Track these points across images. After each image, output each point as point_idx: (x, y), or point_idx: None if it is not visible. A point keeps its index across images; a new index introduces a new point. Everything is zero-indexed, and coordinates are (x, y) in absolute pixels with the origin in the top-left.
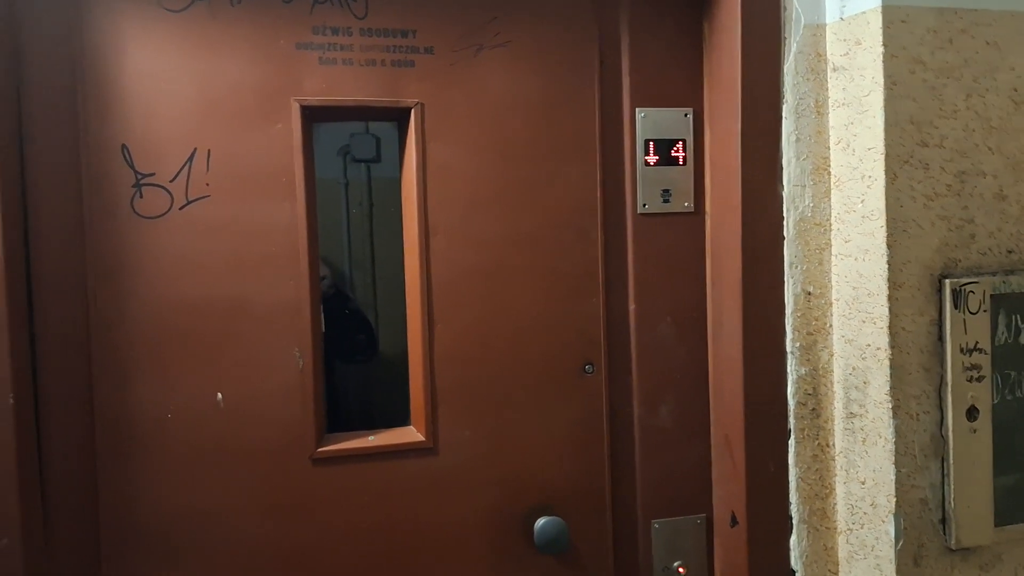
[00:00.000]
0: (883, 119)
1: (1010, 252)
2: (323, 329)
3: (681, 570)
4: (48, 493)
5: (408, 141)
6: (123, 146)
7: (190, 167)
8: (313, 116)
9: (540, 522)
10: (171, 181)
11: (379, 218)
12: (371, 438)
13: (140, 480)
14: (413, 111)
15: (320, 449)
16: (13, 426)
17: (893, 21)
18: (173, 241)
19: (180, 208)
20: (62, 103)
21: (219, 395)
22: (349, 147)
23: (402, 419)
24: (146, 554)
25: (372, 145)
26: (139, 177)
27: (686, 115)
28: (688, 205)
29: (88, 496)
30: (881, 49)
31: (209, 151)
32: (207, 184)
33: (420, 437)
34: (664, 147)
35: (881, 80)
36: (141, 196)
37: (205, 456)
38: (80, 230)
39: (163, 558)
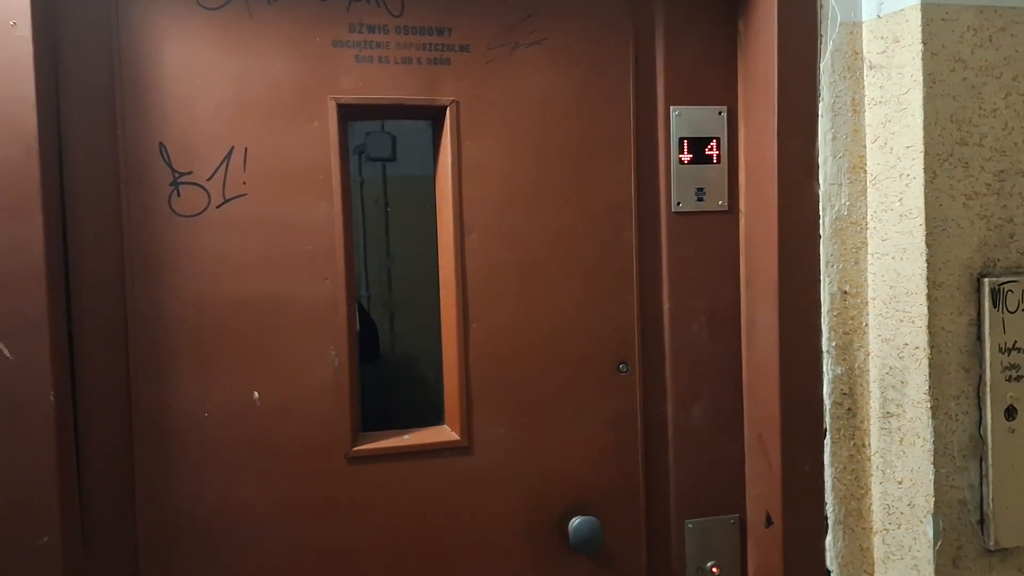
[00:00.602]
0: (922, 117)
1: None
2: (358, 328)
3: (714, 570)
4: (86, 491)
5: (443, 139)
6: (160, 144)
7: (227, 165)
8: (349, 114)
9: (575, 522)
10: (208, 179)
11: (394, 216)
12: (406, 437)
13: (177, 478)
14: (448, 109)
15: (355, 448)
16: (54, 423)
17: (933, 19)
18: (210, 239)
19: (217, 206)
20: (100, 101)
21: (256, 393)
22: (364, 146)
23: (431, 418)
24: (183, 551)
25: (388, 144)
26: (176, 175)
27: (720, 113)
28: (722, 203)
29: (125, 494)
30: (920, 47)
31: (246, 149)
32: (244, 182)
33: (455, 436)
34: (698, 145)
35: (920, 78)
36: (179, 194)
37: (241, 454)
38: (118, 228)
39: (200, 555)
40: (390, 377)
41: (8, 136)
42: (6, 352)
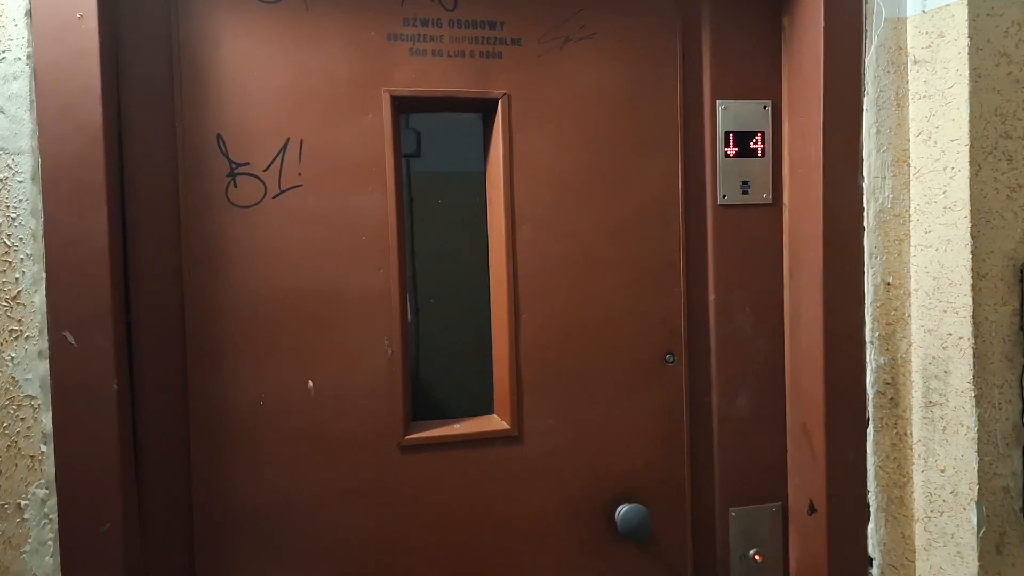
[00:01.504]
0: (968, 111)
1: None
2: (410, 318)
3: (757, 558)
4: (144, 479)
5: (495, 132)
6: (218, 136)
7: (283, 157)
8: (402, 107)
9: (622, 509)
10: (265, 171)
11: (419, 213)
12: (456, 426)
13: (232, 466)
14: (500, 102)
15: (408, 437)
16: (116, 412)
17: (979, 14)
18: (266, 230)
19: (273, 197)
20: (159, 93)
21: (310, 383)
22: None
23: (482, 408)
24: (238, 539)
25: (412, 140)
26: (234, 167)
27: (765, 107)
28: (767, 196)
29: (182, 481)
30: (966, 42)
31: (302, 141)
32: (299, 174)
33: (505, 425)
34: (743, 139)
35: (966, 73)
36: (235, 185)
37: (296, 443)
38: (176, 219)
39: (254, 543)
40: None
41: (74, 128)
42: (72, 340)
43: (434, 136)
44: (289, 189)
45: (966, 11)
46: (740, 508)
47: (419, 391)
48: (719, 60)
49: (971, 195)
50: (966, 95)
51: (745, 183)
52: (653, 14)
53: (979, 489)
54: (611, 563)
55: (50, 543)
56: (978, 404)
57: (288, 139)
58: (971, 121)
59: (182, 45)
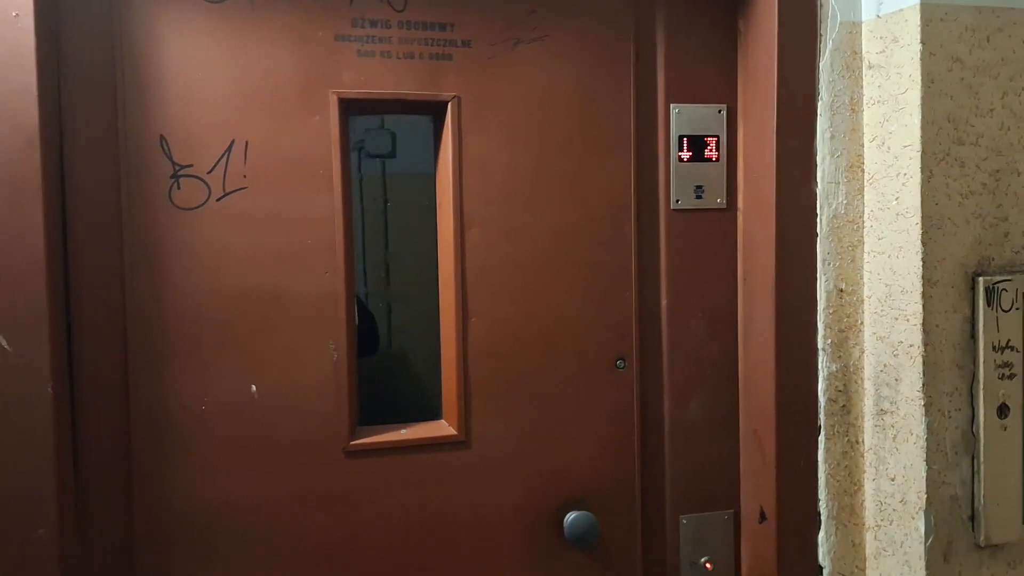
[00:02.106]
0: (920, 117)
1: None
2: (356, 322)
3: (708, 565)
4: (83, 484)
5: (444, 134)
6: (161, 137)
7: (228, 159)
8: (350, 108)
9: (571, 516)
10: (209, 172)
11: (394, 214)
12: (403, 431)
13: (175, 471)
14: (450, 104)
15: (353, 442)
16: (52, 416)
17: (932, 19)
18: (210, 233)
19: (217, 200)
20: (101, 93)
21: (254, 387)
22: (364, 142)
23: (431, 413)
24: (180, 545)
25: (387, 140)
26: (177, 168)
27: (720, 111)
28: (720, 201)
29: (123, 487)
30: (919, 47)
31: (247, 143)
32: (244, 176)
33: (452, 431)
34: (698, 143)
35: (919, 78)
36: (179, 187)
37: (240, 448)
38: (118, 221)
39: (197, 549)
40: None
41: (9, 127)
42: (5, 344)
43: (410, 137)
44: (234, 191)
45: (919, 16)
46: (691, 515)
47: (371, 396)
48: (673, 63)
49: (923, 201)
50: (918, 100)
51: (699, 187)
52: (606, 16)
53: (927, 498)
54: (560, 569)
55: None
56: (927, 412)
57: (233, 141)
58: (923, 127)
59: (125, 45)
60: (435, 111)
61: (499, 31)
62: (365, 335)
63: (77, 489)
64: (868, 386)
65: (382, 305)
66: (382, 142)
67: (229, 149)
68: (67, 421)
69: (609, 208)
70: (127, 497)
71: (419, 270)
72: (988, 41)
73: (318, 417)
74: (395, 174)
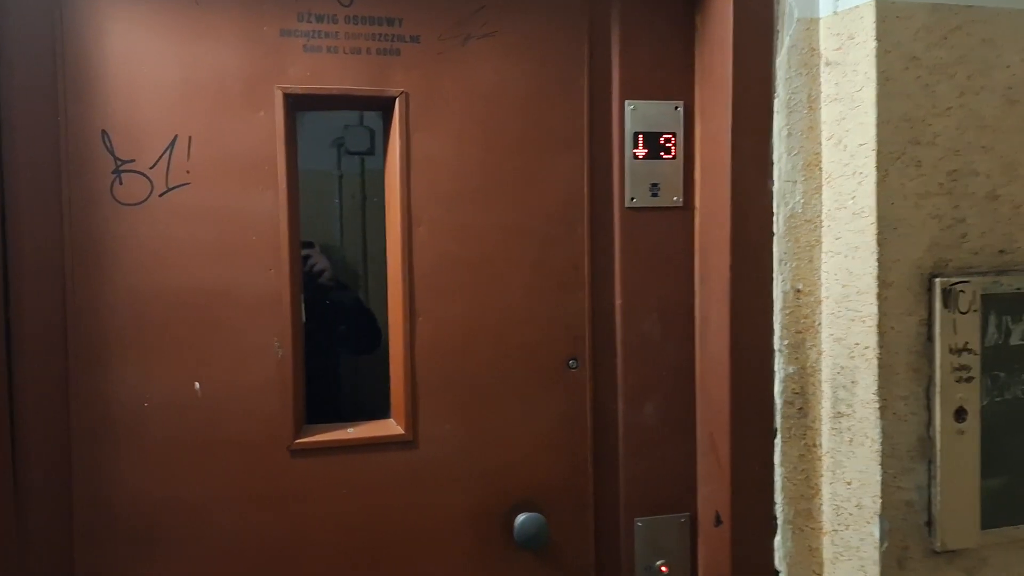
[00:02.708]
0: (875, 115)
1: (1002, 252)
2: (304, 320)
3: (663, 569)
4: (21, 483)
5: (392, 131)
6: (103, 132)
7: (171, 154)
8: (297, 104)
9: (520, 518)
10: (151, 168)
11: (372, 211)
12: (350, 430)
13: (116, 470)
14: (398, 100)
15: (298, 440)
16: None
17: (887, 16)
18: (153, 229)
19: (160, 195)
20: (41, 87)
21: (197, 385)
22: (343, 139)
23: (383, 412)
24: (122, 545)
25: (366, 137)
26: (119, 163)
27: (676, 108)
28: (677, 200)
29: (62, 486)
30: (874, 44)
31: (190, 138)
32: (187, 171)
33: (399, 430)
34: (653, 140)
35: (874, 76)
36: (121, 183)
37: (183, 446)
38: (59, 216)
39: (138, 548)
40: (347, 370)
41: None
42: None
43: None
44: (177, 187)
45: (875, 13)
46: (646, 518)
47: (319, 394)
48: (629, 59)
49: (878, 201)
50: (874, 98)
51: (655, 185)
52: (559, 11)
53: (882, 503)
54: (510, 572)
55: None
56: (882, 416)
57: (176, 136)
58: (879, 125)
59: (66, 37)
60: (383, 107)
61: (448, 26)
62: (364, 331)
63: (15, 486)
64: (825, 388)
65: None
66: (361, 139)
67: (172, 144)
68: (5, 417)
69: (562, 206)
70: (67, 496)
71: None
72: (945, 39)
73: (262, 415)
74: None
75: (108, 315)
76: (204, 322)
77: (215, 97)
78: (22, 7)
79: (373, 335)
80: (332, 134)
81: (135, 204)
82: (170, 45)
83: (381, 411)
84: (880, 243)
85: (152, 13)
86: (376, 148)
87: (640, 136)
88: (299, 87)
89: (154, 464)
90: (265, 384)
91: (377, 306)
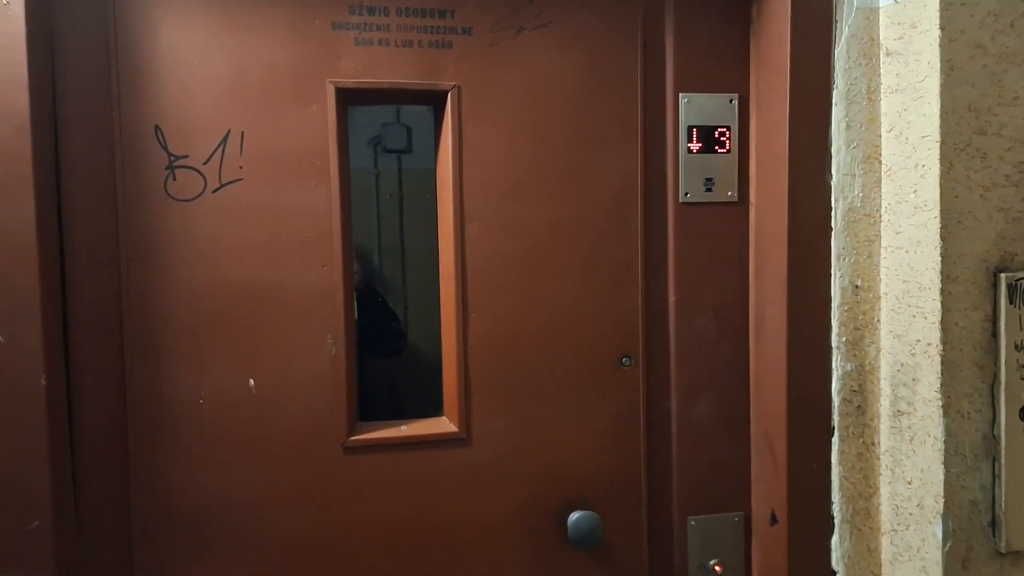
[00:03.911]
0: (939, 106)
1: None
2: (356, 317)
3: (717, 568)
4: (79, 476)
5: (444, 125)
6: (156, 127)
7: (223, 149)
8: (348, 98)
9: (574, 516)
10: (204, 164)
11: (409, 209)
12: (403, 428)
13: (172, 465)
14: (450, 94)
15: (352, 438)
16: (45, 407)
17: (952, 4)
18: (206, 224)
19: (213, 191)
20: (96, 83)
21: (251, 381)
22: (380, 137)
23: (434, 410)
24: (177, 538)
25: (403, 135)
26: (172, 159)
27: (731, 101)
28: (732, 194)
29: (120, 480)
30: (938, 32)
31: (243, 133)
32: (240, 167)
33: (453, 428)
34: (708, 134)
35: (938, 65)
36: (174, 178)
37: (237, 442)
38: (113, 212)
39: (194, 543)
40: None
41: None
42: None
43: (427, 133)
44: (230, 183)
45: (938, 1)
46: (700, 517)
47: (371, 391)
48: (683, 51)
49: (942, 194)
50: (938, 89)
51: (709, 180)
52: (613, 3)
53: (945, 502)
54: (563, 570)
55: None
56: (945, 414)
57: (229, 131)
58: (943, 116)
59: (120, 33)
60: (435, 101)
61: (501, 18)
62: (390, 335)
63: (74, 481)
64: (884, 386)
65: (397, 302)
66: (398, 137)
67: (225, 140)
68: (63, 413)
69: (615, 201)
70: (124, 491)
71: (430, 266)
72: (1012, 27)
73: (316, 412)
74: (411, 169)
75: (162, 310)
76: (257, 318)
77: (267, 92)
78: (74, 5)
79: (400, 337)
80: (370, 132)
81: (189, 200)
82: (222, 39)
83: (431, 409)
84: (944, 237)
85: (203, 8)
86: (414, 146)
87: (694, 130)
88: (351, 81)
89: (209, 460)
90: (319, 381)
91: (420, 303)
